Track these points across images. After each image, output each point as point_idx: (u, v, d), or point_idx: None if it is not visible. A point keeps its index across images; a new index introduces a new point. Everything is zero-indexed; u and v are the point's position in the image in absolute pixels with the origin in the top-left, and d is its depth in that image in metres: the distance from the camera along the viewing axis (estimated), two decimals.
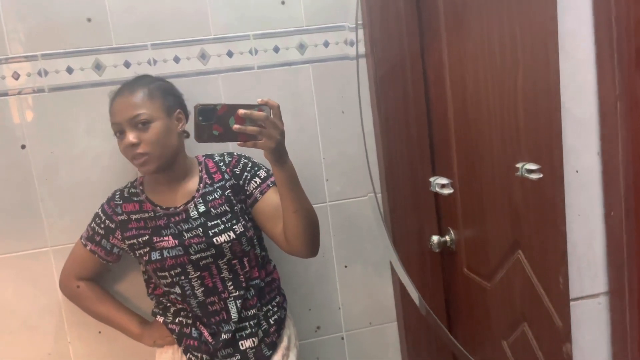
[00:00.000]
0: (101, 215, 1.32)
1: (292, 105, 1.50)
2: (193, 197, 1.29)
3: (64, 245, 1.42)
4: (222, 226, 1.26)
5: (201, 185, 1.30)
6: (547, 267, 1.05)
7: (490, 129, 1.18)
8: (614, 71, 0.91)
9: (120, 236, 1.30)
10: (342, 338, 1.63)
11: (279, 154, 1.10)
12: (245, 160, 1.33)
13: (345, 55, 1.52)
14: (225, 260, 1.27)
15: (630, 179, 0.92)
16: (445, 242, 1.48)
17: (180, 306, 1.33)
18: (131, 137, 1.19)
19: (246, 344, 1.30)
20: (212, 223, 1.26)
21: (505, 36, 1.07)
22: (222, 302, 1.29)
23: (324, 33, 1.50)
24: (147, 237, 1.27)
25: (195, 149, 1.32)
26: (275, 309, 1.36)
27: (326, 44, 1.50)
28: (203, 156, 1.35)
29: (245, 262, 1.30)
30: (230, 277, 1.29)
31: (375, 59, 1.44)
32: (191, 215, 1.27)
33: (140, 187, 1.33)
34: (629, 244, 0.94)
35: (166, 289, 1.30)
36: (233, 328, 1.29)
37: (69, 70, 1.38)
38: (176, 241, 1.25)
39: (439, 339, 1.57)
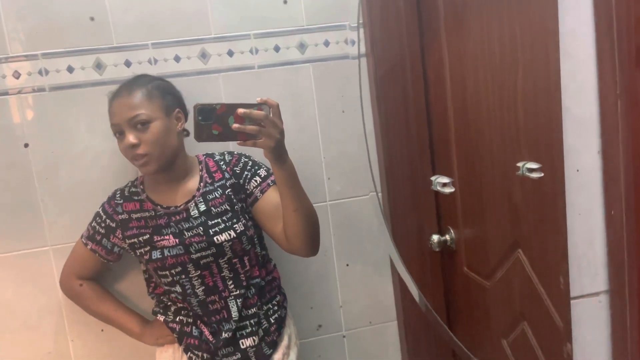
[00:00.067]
0: (102, 214, 1.32)
1: (293, 104, 1.50)
2: (193, 196, 1.29)
3: (64, 245, 1.42)
4: (223, 225, 1.26)
5: (202, 184, 1.30)
6: (547, 266, 1.05)
7: (491, 129, 1.18)
8: (614, 70, 0.91)
9: (120, 235, 1.30)
10: (344, 337, 1.63)
11: (278, 152, 1.10)
12: (246, 159, 1.34)
13: (346, 55, 1.52)
14: (225, 259, 1.27)
15: (630, 178, 0.92)
16: (446, 241, 1.48)
17: (181, 305, 1.33)
18: (131, 137, 1.19)
19: (247, 342, 1.30)
20: (213, 222, 1.26)
21: (505, 36, 1.07)
22: (222, 301, 1.29)
23: (324, 32, 1.50)
24: (147, 236, 1.27)
25: (196, 148, 1.31)
26: (276, 307, 1.36)
27: (326, 44, 1.50)
28: (203, 155, 1.35)
29: (246, 261, 1.30)
30: (231, 276, 1.29)
31: (375, 59, 1.44)
32: (192, 214, 1.27)
33: (141, 187, 1.33)
34: (630, 243, 0.95)
35: (167, 288, 1.30)
36: (233, 327, 1.29)
37: (70, 69, 1.39)
38: (177, 240, 1.25)
39: (439, 338, 1.57)
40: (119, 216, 1.30)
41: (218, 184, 1.30)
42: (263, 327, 1.33)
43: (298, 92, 1.51)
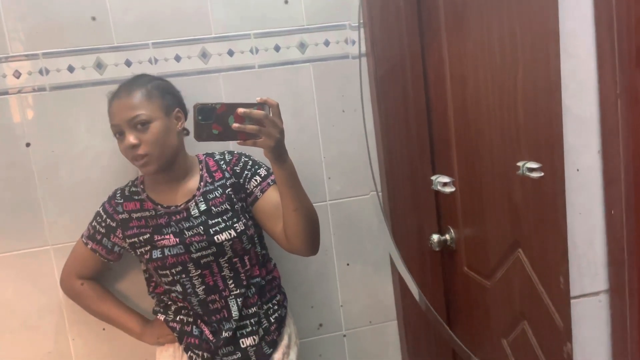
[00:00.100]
0: (102, 214, 1.32)
1: (293, 104, 1.50)
2: (194, 196, 1.29)
3: (64, 244, 1.42)
4: (223, 224, 1.26)
5: (202, 183, 1.30)
6: (547, 266, 1.05)
7: (491, 128, 1.18)
8: (614, 70, 0.91)
9: (121, 235, 1.31)
10: (344, 336, 1.64)
11: (278, 152, 1.10)
12: (246, 159, 1.34)
13: (346, 55, 1.52)
14: (226, 258, 1.27)
15: (630, 178, 0.92)
16: (446, 240, 1.48)
17: (181, 304, 1.33)
18: (131, 138, 1.19)
19: (247, 342, 1.30)
20: (213, 221, 1.26)
21: (505, 35, 1.07)
22: (222, 301, 1.29)
23: (324, 32, 1.50)
24: (148, 235, 1.27)
25: (196, 147, 1.32)
26: (276, 307, 1.36)
27: (327, 43, 1.50)
28: (203, 155, 1.35)
29: (246, 261, 1.30)
30: (231, 275, 1.29)
31: (375, 58, 1.44)
32: (192, 213, 1.27)
33: (141, 186, 1.33)
34: (630, 242, 0.95)
35: (167, 287, 1.30)
36: (234, 326, 1.29)
37: (70, 69, 1.39)
38: (177, 239, 1.25)
39: (439, 337, 1.57)
40: (120, 216, 1.30)
41: (218, 183, 1.30)
42: (263, 327, 1.33)
43: (298, 92, 1.51)
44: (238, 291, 1.29)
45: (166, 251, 1.25)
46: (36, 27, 1.36)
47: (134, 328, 1.38)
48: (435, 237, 1.48)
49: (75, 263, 1.37)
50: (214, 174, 1.31)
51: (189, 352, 1.31)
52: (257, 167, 1.32)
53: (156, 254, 1.26)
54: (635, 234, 0.93)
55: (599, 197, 0.98)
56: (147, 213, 1.29)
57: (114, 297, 1.41)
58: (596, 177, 0.97)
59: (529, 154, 1.03)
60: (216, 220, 1.27)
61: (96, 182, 1.41)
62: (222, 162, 1.33)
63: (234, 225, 1.27)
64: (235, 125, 1.04)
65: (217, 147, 1.39)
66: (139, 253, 1.29)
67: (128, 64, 1.41)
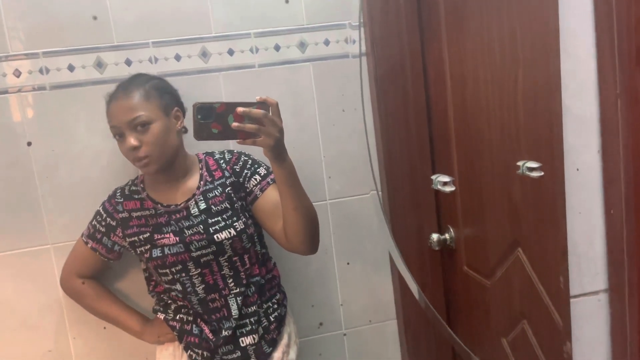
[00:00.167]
0: (102, 213, 1.32)
1: (293, 103, 1.50)
2: (194, 195, 1.29)
3: (64, 243, 1.42)
4: (223, 223, 1.26)
5: (202, 182, 1.30)
6: (547, 265, 1.05)
7: (490, 127, 1.18)
8: (614, 69, 0.91)
9: (121, 234, 1.31)
10: (344, 335, 1.64)
11: (278, 151, 1.10)
12: (245, 158, 1.34)
13: (346, 54, 1.52)
14: (225, 257, 1.27)
15: (630, 177, 0.92)
16: (445, 240, 1.48)
17: (181, 303, 1.33)
18: (132, 140, 1.19)
19: (246, 340, 1.31)
20: (213, 220, 1.26)
21: (505, 34, 1.07)
22: (222, 299, 1.29)
23: (324, 31, 1.50)
24: (148, 234, 1.27)
25: (196, 146, 1.32)
26: (276, 306, 1.36)
27: (327, 43, 1.50)
28: (203, 154, 1.35)
29: (246, 259, 1.30)
30: (231, 274, 1.29)
31: (375, 58, 1.44)
32: (192, 212, 1.27)
33: (141, 185, 1.33)
34: (629, 242, 0.95)
35: (167, 286, 1.30)
36: (233, 325, 1.29)
37: (71, 68, 1.39)
38: (177, 238, 1.25)
39: (438, 336, 1.57)
40: (120, 215, 1.30)
41: (218, 182, 1.30)
42: (263, 326, 1.33)
43: (298, 91, 1.51)
44: (238, 290, 1.30)
45: (166, 250, 1.25)
46: (36, 26, 1.36)
47: (134, 327, 1.38)
48: (435, 236, 1.48)
49: (75, 262, 1.37)
50: (213, 173, 1.31)
51: (189, 351, 1.31)
52: (256, 166, 1.33)
53: (156, 252, 1.26)
54: (635, 234, 0.94)
55: (598, 197, 0.98)
56: (147, 212, 1.29)
57: (114, 296, 1.41)
58: (596, 176, 0.97)
59: (529, 153, 1.03)
60: (216, 219, 1.27)
61: (96, 181, 1.41)
62: (222, 161, 1.33)
63: (234, 224, 1.27)
64: (235, 124, 1.04)
65: (217, 146, 1.39)
66: (138, 252, 1.29)
67: (128, 63, 1.41)
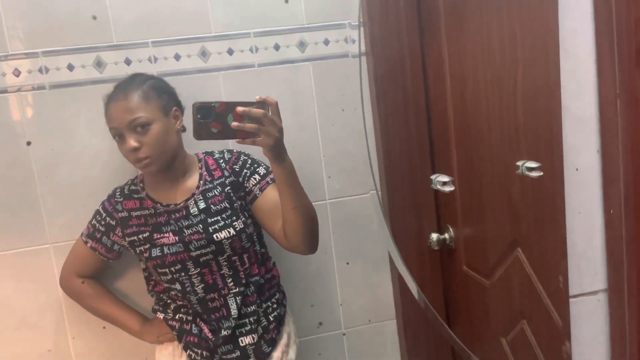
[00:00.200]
0: (102, 212, 1.33)
1: (293, 103, 1.50)
2: (193, 194, 1.29)
3: (64, 242, 1.42)
4: (222, 222, 1.26)
5: (201, 182, 1.30)
6: (546, 265, 1.05)
7: (490, 127, 1.18)
8: (614, 69, 0.91)
9: (120, 233, 1.31)
10: (343, 335, 1.64)
11: (277, 151, 1.10)
12: (245, 157, 1.34)
13: (346, 53, 1.52)
14: (225, 256, 1.27)
15: (629, 177, 0.92)
16: (445, 239, 1.48)
17: (181, 303, 1.33)
18: (132, 141, 1.19)
19: (246, 340, 1.31)
20: (212, 220, 1.26)
21: (505, 34, 1.07)
22: (222, 299, 1.29)
23: (324, 31, 1.50)
24: (147, 234, 1.27)
25: (195, 146, 1.32)
26: (275, 305, 1.37)
27: (326, 42, 1.50)
28: (203, 153, 1.35)
29: (245, 259, 1.30)
30: (230, 273, 1.29)
31: (375, 57, 1.44)
32: (191, 211, 1.27)
33: (141, 185, 1.33)
34: (629, 242, 0.95)
35: (166, 285, 1.31)
36: (233, 324, 1.29)
37: (70, 67, 1.39)
38: (176, 238, 1.25)
39: (438, 335, 1.57)
40: (119, 214, 1.30)
41: (217, 181, 1.30)
42: (262, 325, 1.33)
43: (298, 91, 1.51)
44: (237, 289, 1.30)
45: (165, 249, 1.25)
46: (36, 25, 1.36)
47: (134, 327, 1.38)
48: (434, 236, 1.48)
49: (74, 261, 1.37)
50: (213, 173, 1.31)
51: (188, 351, 1.32)
52: (256, 165, 1.33)
53: (155, 252, 1.26)
54: (635, 234, 0.94)
55: (598, 197, 0.98)
56: (146, 211, 1.29)
57: (113, 296, 1.41)
58: (595, 176, 0.97)
59: (529, 153, 1.03)
60: (215, 218, 1.27)
61: (96, 180, 1.41)
62: (221, 161, 1.33)
63: (233, 224, 1.27)
64: (235, 123, 1.04)
65: (216, 145, 1.39)
66: (138, 251, 1.29)
67: (128, 62, 1.41)
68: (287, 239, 1.24)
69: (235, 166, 1.32)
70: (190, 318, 1.32)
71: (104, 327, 1.46)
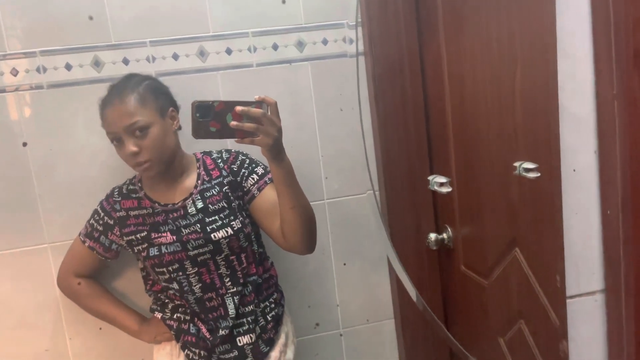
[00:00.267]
0: (100, 211, 1.32)
1: (291, 102, 1.50)
2: (191, 194, 1.29)
3: (62, 242, 1.42)
4: (220, 222, 1.26)
5: (199, 181, 1.30)
6: (544, 265, 1.05)
7: (488, 127, 1.18)
8: (611, 70, 0.91)
9: (118, 232, 1.31)
10: (341, 335, 1.64)
11: (276, 150, 1.10)
12: (243, 157, 1.34)
13: (344, 53, 1.52)
14: (222, 256, 1.27)
15: (627, 178, 0.93)
16: (443, 239, 1.48)
17: (178, 302, 1.33)
18: (131, 146, 1.18)
19: (243, 340, 1.31)
20: (210, 219, 1.26)
21: (503, 34, 1.07)
22: (219, 298, 1.29)
23: (322, 31, 1.50)
24: (145, 233, 1.27)
25: (193, 145, 1.32)
26: (273, 305, 1.37)
27: (325, 42, 1.50)
28: (201, 153, 1.35)
29: (243, 258, 1.30)
30: (228, 273, 1.29)
31: (373, 57, 1.44)
32: (189, 211, 1.27)
33: (139, 184, 1.33)
34: (626, 242, 0.95)
35: (164, 284, 1.30)
36: (230, 324, 1.29)
37: (68, 66, 1.38)
38: (174, 237, 1.25)
39: (436, 335, 1.57)
40: (117, 213, 1.30)
41: (215, 181, 1.30)
42: (260, 325, 1.33)
43: (296, 90, 1.51)
44: (235, 289, 1.30)
45: (163, 249, 1.25)
46: (34, 24, 1.35)
47: (131, 326, 1.38)
48: (432, 236, 1.49)
49: (72, 261, 1.37)
50: (211, 172, 1.31)
51: (186, 350, 1.31)
52: (254, 165, 1.33)
53: (153, 251, 1.26)
54: (632, 234, 0.94)
55: (595, 197, 0.98)
56: (144, 211, 1.29)
57: (111, 296, 1.41)
58: (593, 177, 0.98)
59: (526, 153, 1.03)
60: (213, 218, 1.27)
61: (94, 180, 1.41)
62: (219, 160, 1.33)
63: (231, 223, 1.27)
64: (233, 123, 1.04)
65: (214, 145, 1.39)
66: (136, 251, 1.29)
67: (126, 62, 1.41)
68: (285, 239, 1.24)
69: (233, 166, 1.32)
70: (187, 317, 1.32)
71: (100, 328, 1.46)
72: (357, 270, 1.62)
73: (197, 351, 1.31)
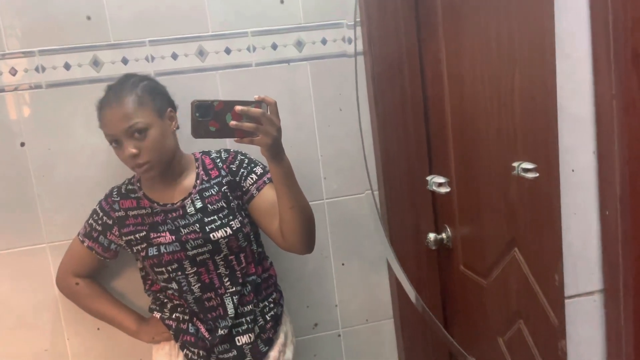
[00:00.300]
0: (99, 211, 1.32)
1: (290, 102, 1.50)
2: (190, 194, 1.29)
3: (61, 242, 1.42)
4: (219, 222, 1.26)
5: (198, 181, 1.30)
6: (542, 265, 1.05)
7: (487, 127, 1.19)
8: (610, 71, 0.91)
9: (117, 232, 1.31)
10: (339, 335, 1.64)
11: (275, 150, 1.10)
12: (242, 157, 1.34)
13: (343, 53, 1.52)
14: (221, 256, 1.27)
15: (625, 178, 0.93)
16: (442, 239, 1.48)
17: (177, 302, 1.33)
18: (130, 148, 1.18)
19: (242, 339, 1.31)
20: (209, 219, 1.26)
21: (502, 35, 1.07)
22: (218, 298, 1.29)
23: (322, 30, 1.50)
24: (144, 233, 1.27)
25: (192, 145, 1.32)
26: (272, 305, 1.37)
27: (324, 42, 1.50)
28: (200, 153, 1.35)
29: (242, 258, 1.30)
30: (227, 273, 1.29)
31: (372, 57, 1.44)
32: (188, 211, 1.27)
33: (138, 184, 1.33)
34: (624, 243, 0.95)
35: (163, 284, 1.30)
36: (229, 324, 1.29)
37: (67, 66, 1.38)
38: (173, 237, 1.25)
39: (435, 335, 1.57)
40: (116, 213, 1.30)
41: (214, 181, 1.30)
42: (259, 325, 1.33)
43: (295, 90, 1.51)
44: (234, 289, 1.30)
45: (162, 249, 1.25)
46: (33, 24, 1.35)
47: (130, 326, 1.38)
48: (431, 235, 1.49)
49: (71, 261, 1.37)
50: (210, 172, 1.31)
51: (185, 350, 1.32)
52: (253, 165, 1.33)
53: (152, 251, 1.26)
54: (630, 235, 0.94)
55: (594, 198, 0.98)
56: (143, 211, 1.29)
57: (110, 295, 1.41)
58: (591, 177, 0.98)
59: (525, 154, 1.03)
60: (212, 217, 1.27)
61: (93, 179, 1.41)
62: (218, 160, 1.33)
63: (230, 223, 1.27)
64: (233, 122, 1.04)
65: (213, 145, 1.39)
66: (135, 250, 1.29)
67: (125, 61, 1.41)
68: (284, 239, 1.24)
69: (232, 165, 1.32)
70: (186, 317, 1.32)
71: (97, 328, 1.46)
72: (356, 270, 1.62)
73: (196, 351, 1.31)
